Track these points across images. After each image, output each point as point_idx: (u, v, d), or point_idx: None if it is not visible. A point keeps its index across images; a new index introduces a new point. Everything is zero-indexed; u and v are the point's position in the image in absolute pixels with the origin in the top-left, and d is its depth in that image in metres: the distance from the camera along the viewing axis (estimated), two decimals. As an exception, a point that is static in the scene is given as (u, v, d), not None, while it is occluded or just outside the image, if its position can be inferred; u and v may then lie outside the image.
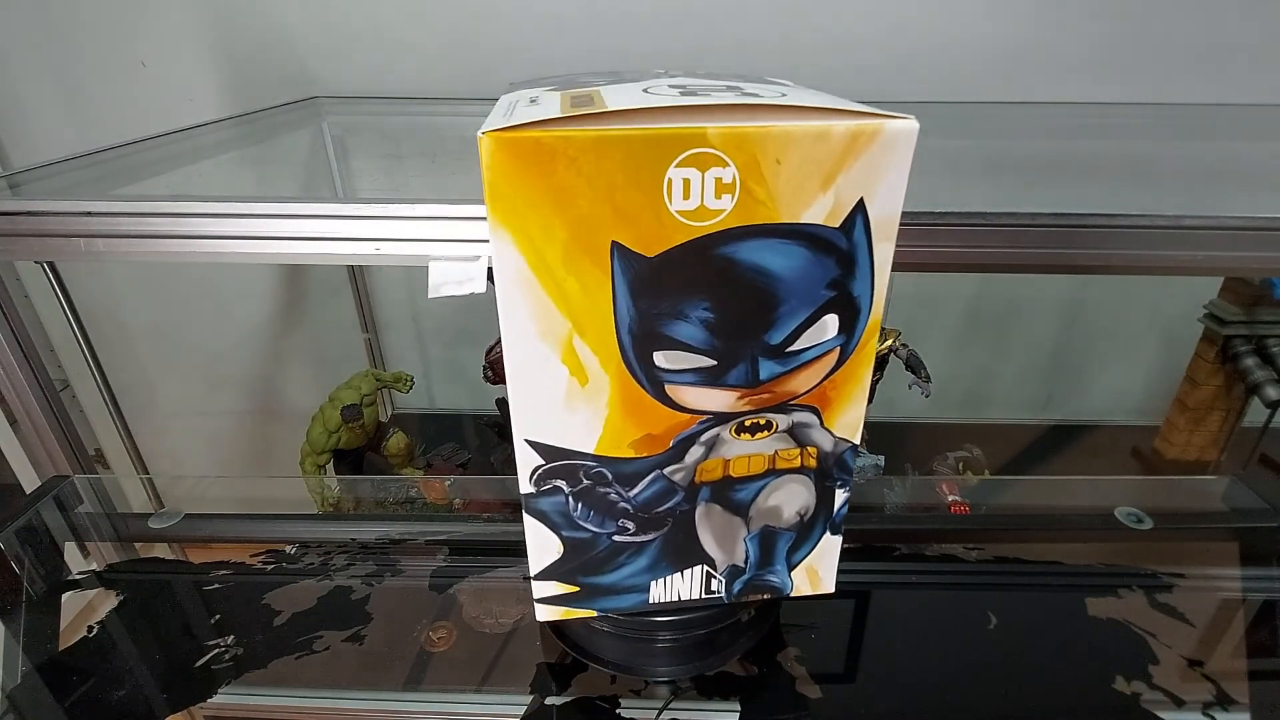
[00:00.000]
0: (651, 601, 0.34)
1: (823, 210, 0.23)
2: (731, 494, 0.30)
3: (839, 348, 0.27)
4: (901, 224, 0.24)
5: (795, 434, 0.29)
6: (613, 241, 0.23)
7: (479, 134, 0.22)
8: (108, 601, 0.44)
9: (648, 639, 0.38)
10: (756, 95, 0.23)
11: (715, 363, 0.26)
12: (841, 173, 0.23)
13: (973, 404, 1.13)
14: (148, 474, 0.71)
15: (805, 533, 0.32)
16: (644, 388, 0.26)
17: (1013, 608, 0.43)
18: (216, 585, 0.46)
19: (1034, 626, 0.42)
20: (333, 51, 0.92)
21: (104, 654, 0.40)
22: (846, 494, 0.32)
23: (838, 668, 0.40)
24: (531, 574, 0.32)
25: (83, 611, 0.43)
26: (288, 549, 0.49)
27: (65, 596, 0.45)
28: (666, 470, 0.29)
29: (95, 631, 0.41)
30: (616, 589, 0.33)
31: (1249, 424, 0.87)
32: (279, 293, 1.10)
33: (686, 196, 0.22)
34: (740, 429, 0.28)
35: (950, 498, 0.55)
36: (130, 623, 0.43)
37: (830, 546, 0.34)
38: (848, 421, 0.29)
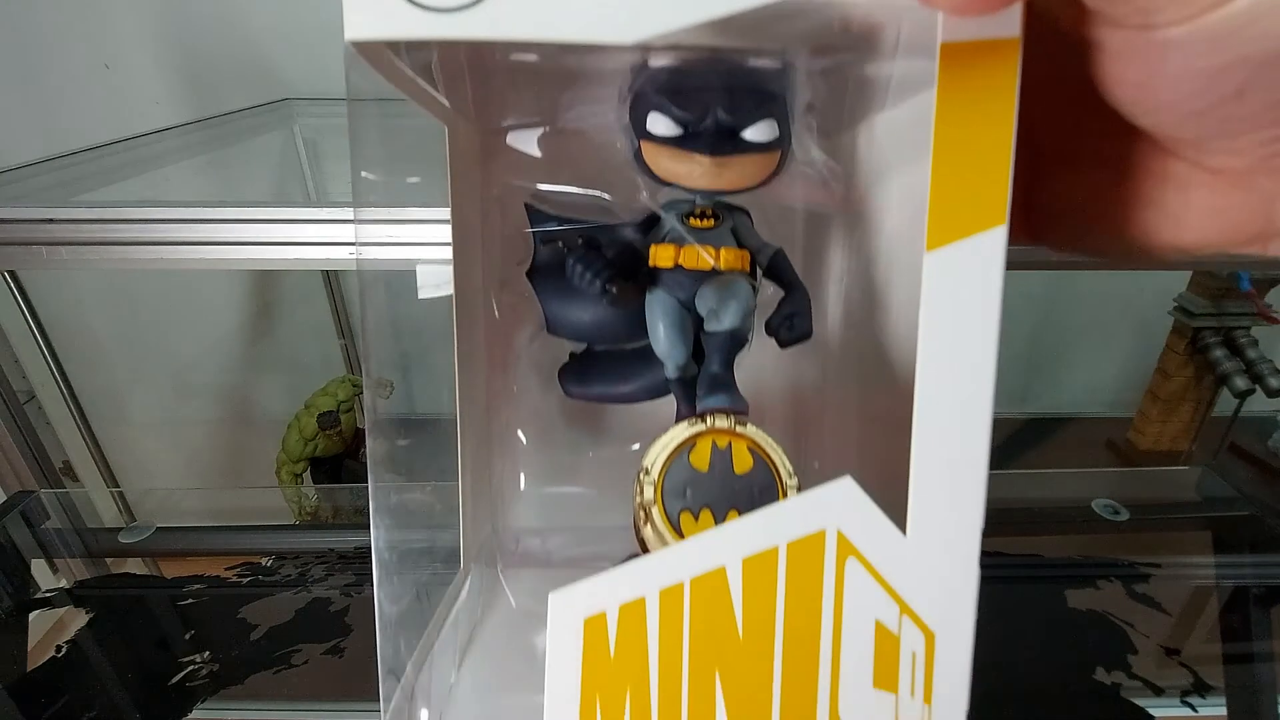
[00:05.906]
0: None
1: None
2: None
3: None
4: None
5: None
6: None
7: None
8: (77, 619, 0.43)
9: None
10: None
11: None
12: None
13: (951, 399, 1.14)
14: (118, 487, 0.69)
15: None
16: None
17: (995, 602, 0.44)
18: (190, 600, 0.44)
19: (1016, 620, 0.43)
20: (303, 52, 0.90)
21: (74, 673, 0.39)
22: None
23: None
24: None
25: (52, 630, 0.42)
26: (264, 561, 0.48)
27: (33, 615, 0.43)
28: None
29: (65, 650, 0.40)
30: None
31: (1219, 414, 0.89)
32: (252, 298, 1.08)
33: None
34: None
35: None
36: (102, 640, 0.41)
37: None
38: None
